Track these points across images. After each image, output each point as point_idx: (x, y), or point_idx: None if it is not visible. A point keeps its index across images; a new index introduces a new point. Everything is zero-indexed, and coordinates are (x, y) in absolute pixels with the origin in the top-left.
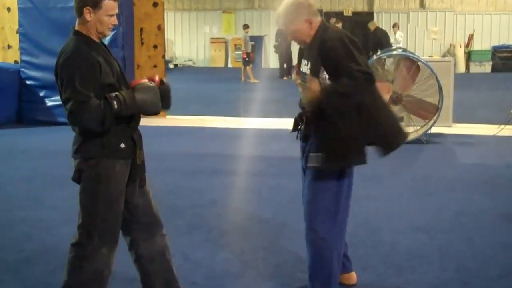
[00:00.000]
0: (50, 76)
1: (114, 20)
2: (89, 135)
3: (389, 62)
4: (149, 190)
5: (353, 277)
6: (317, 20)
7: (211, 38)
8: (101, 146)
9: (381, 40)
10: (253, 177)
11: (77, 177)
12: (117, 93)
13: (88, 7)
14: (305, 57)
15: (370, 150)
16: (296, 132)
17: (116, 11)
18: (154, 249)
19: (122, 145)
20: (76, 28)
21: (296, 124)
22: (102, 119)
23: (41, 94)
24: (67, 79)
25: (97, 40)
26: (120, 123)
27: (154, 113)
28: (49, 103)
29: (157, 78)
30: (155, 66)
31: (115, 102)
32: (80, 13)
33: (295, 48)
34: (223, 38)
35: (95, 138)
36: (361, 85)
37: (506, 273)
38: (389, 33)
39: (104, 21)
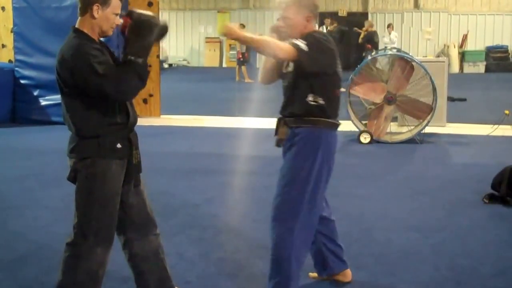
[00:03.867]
0: (44, 76)
1: (118, 20)
2: (85, 134)
3: (383, 62)
4: (143, 190)
5: (347, 274)
6: (313, 23)
7: (206, 37)
8: (97, 145)
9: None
10: (247, 176)
11: (73, 177)
12: (129, 50)
13: (98, 4)
14: None
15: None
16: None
17: (120, 11)
18: (148, 248)
19: (118, 145)
20: (77, 26)
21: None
22: (140, 80)
23: (35, 93)
24: (86, 70)
25: (96, 40)
26: (117, 124)
27: (162, 29)
28: (43, 102)
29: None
30: (149, 65)
31: (139, 59)
32: (85, 11)
33: None
34: (218, 38)
35: (91, 137)
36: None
37: (498, 271)
38: (383, 33)
39: (110, 19)
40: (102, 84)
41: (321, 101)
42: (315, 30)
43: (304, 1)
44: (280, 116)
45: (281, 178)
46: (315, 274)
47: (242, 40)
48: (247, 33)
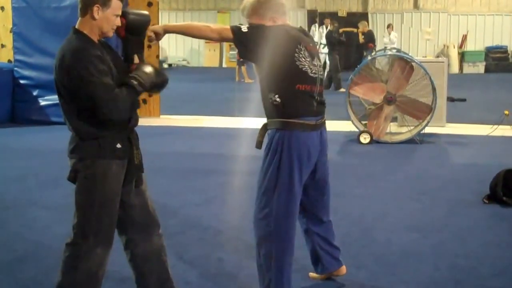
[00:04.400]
0: (43, 76)
1: (118, 21)
2: (85, 135)
3: (383, 63)
4: (145, 190)
5: (341, 269)
6: (282, 19)
7: None
8: (97, 146)
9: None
10: (247, 177)
11: (73, 177)
12: (133, 75)
13: (98, 5)
14: None
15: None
16: None
17: (120, 12)
18: (150, 249)
19: (118, 145)
20: (77, 27)
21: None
22: (131, 105)
23: (35, 93)
24: (86, 77)
25: (96, 42)
26: (118, 124)
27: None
28: (43, 102)
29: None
30: None
31: (137, 84)
32: (85, 12)
33: None
34: None
35: (91, 138)
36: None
37: (498, 271)
38: (383, 34)
39: (111, 20)
40: (95, 94)
41: (277, 99)
42: (283, 24)
43: (264, 5)
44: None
45: (257, 182)
46: (314, 275)
47: (169, 30)
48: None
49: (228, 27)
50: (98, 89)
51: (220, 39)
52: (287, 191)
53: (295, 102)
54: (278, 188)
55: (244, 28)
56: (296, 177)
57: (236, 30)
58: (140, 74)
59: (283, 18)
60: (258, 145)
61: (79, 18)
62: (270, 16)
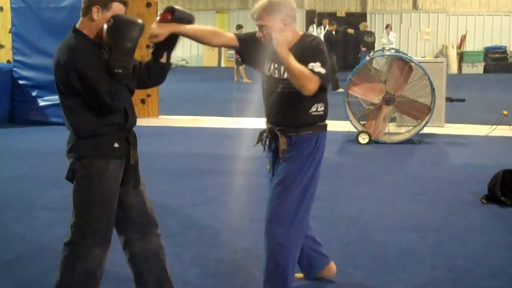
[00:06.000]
0: (42, 76)
1: None
2: (83, 134)
3: (382, 63)
4: (143, 190)
5: (332, 267)
6: (292, 25)
7: None
8: (94, 145)
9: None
10: (246, 177)
11: (71, 177)
12: (112, 64)
13: (98, 6)
14: (274, 61)
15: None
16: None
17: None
18: (148, 249)
19: (116, 145)
20: (77, 26)
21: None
22: (129, 89)
23: (34, 94)
24: (84, 72)
25: (94, 41)
26: (115, 124)
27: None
28: (42, 103)
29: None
30: None
31: (121, 69)
32: (86, 12)
33: None
34: None
35: (89, 137)
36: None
37: (496, 271)
38: (382, 34)
39: None
40: (95, 87)
41: (321, 108)
42: (305, 33)
43: (276, 6)
44: (273, 125)
45: (278, 183)
46: (300, 275)
47: (284, 58)
48: (290, 55)
49: (317, 77)
50: (97, 82)
51: (315, 90)
52: (309, 189)
53: (327, 107)
54: (309, 185)
55: (321, 69)
56: (318, 174)
57: (321, 76)
58: (117, 57)
59: (293, 23)
60: (284, 153)
61: (80, 18)
62: (282, 18)
